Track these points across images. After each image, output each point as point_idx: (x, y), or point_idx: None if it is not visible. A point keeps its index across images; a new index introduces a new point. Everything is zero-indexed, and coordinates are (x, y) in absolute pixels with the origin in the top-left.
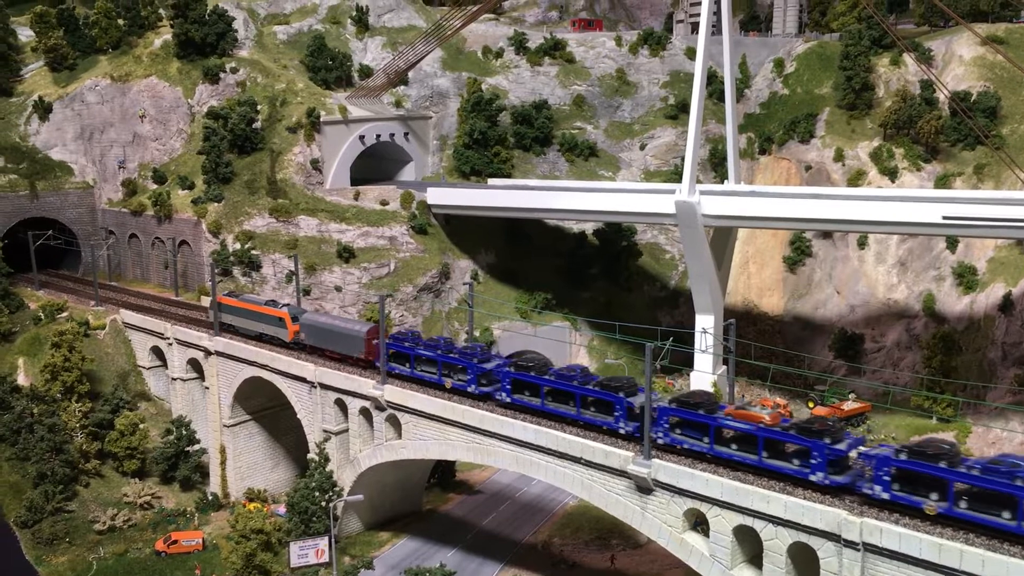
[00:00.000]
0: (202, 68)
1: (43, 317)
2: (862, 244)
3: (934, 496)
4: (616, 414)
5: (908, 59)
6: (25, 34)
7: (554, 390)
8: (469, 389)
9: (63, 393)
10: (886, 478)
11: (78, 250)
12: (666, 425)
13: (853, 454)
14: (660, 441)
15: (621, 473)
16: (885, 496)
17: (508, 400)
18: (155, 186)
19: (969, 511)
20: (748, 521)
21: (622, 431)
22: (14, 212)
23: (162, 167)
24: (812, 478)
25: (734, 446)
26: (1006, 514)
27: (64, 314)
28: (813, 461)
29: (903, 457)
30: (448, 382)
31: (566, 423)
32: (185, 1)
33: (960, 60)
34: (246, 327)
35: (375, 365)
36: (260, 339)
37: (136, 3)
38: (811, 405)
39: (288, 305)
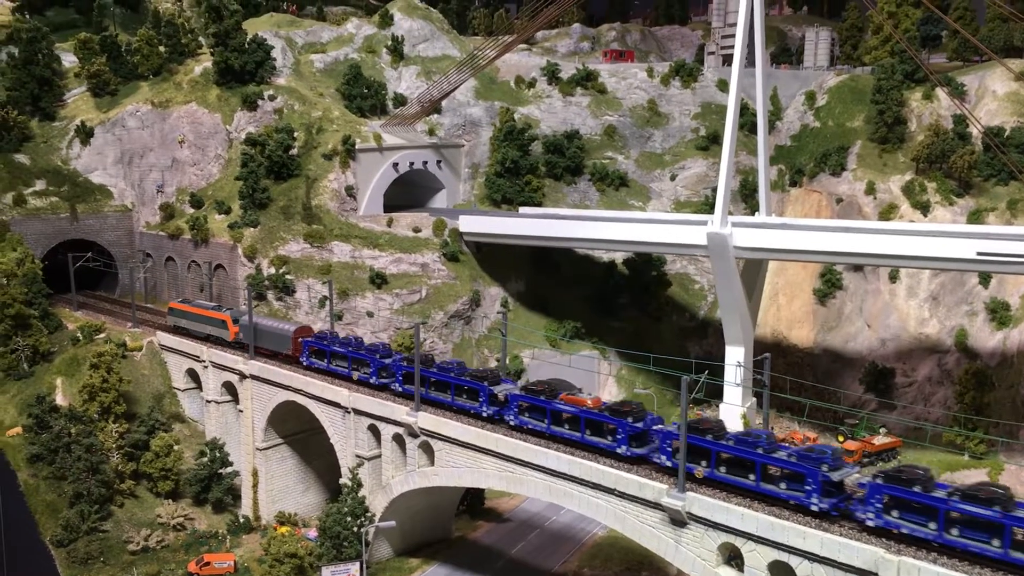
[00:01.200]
0: (241, 95)
1: (81, 338)
2: (894, 278)
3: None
4: (480, 400)
5: (941, 93)
6: (69, 60)
7: (439, 382)
8: (371, 380)
9: (100, 414)
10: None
11: (116, 272)
12: (515, 410)
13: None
14: (512, 423)
15: (655, 505)
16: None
17: (400, 389)
18: (192, 210)
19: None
20: (783, 557)
21: (484, 413)
22: (55, 234)
23: (199, 192)
24: (618, 451)
25: (567, 426)
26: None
27: (102, 335)
28: (619, 436)
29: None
30: (355, 375)
31: (444, 407)
32: (225, 30)
33: (993, 95)
34: (195, 329)
35: (300, 360)
36: (207, 339)
37: (177, 31)
38: (841, 439)
39: (231, 309)
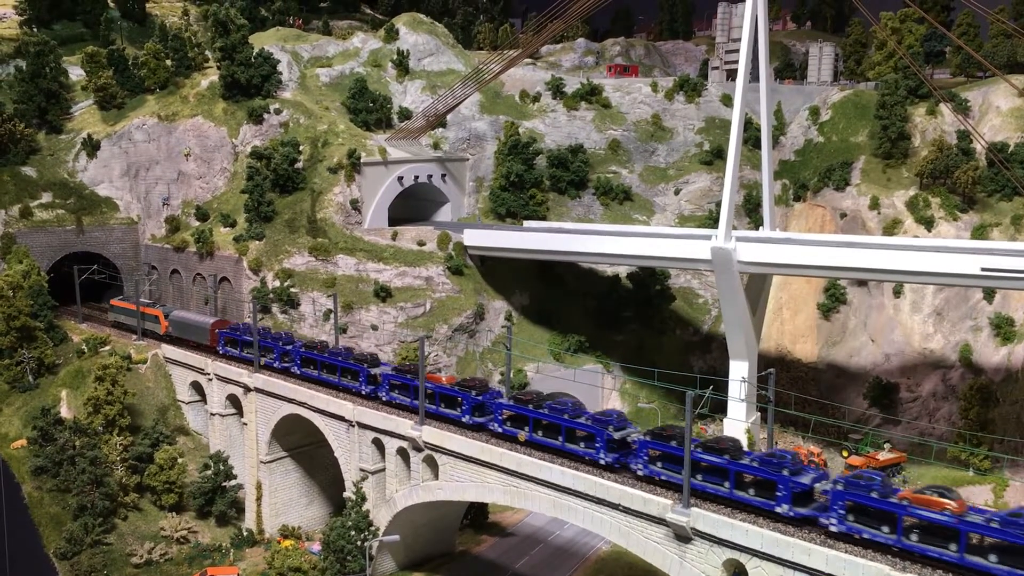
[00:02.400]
0: (247, 109)
1: (86, 350)
2: (898, 293)
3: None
4: (360, 379)
5: (945, 109)
6: (76, 73)
7: (321, 361)
8: (275, 365)
9: (105, 426)
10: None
11: (121, 284)
12: (387, 387)
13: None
14: (384, 399)
15: (659, 521)
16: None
17: (299, 372)
18: (198, 223)
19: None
20: (788, 573)
21: (363, 391)
22: (60, 246)
23: (205, 205)
24: (463, 420)
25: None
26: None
27: (107, 347)
28: (463, 407)
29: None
30: (262, 360)
31: (320, 384)
32: (232, 44)
33: (997, 111)
34: (133, 323)
35: (218, 350)
36: (145, 334)
37: (184, 45)
38: (845, 454)
39: (164, 306)
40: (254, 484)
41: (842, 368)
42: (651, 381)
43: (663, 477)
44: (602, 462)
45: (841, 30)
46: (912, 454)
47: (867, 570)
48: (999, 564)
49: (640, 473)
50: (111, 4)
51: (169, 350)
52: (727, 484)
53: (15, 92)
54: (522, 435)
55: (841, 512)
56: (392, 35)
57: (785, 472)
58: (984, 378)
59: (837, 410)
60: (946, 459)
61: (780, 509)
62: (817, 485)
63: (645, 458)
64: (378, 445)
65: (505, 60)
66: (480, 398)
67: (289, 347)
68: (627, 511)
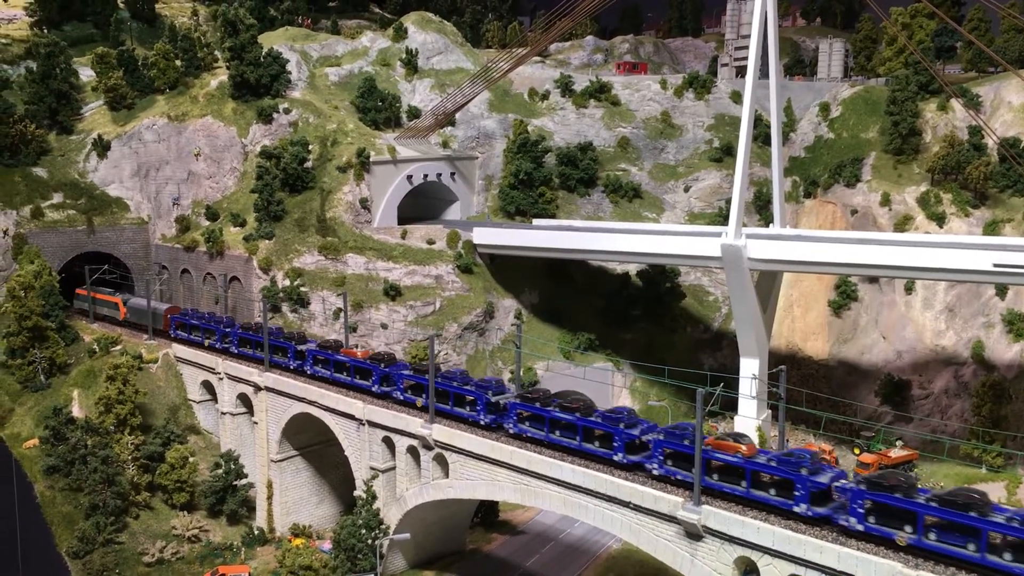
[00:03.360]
0: (256, 108)
1: (97, 350)
2: (909, 289)
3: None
4: (288, 354)
5: (956, 104)
6: (86, 74)
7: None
8: (218, 346)
9: (116, 425)
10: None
11: (132, 284)
12: (311, 361)
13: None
14: (308, 373)
15: (670, 518)
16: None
17: (235, 352)
18: (208, 223)
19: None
20: (800, 571)
21: (291, 367)
22: (72, 246)
23: (215, 204)
24: (373, 389)
25: (344, 373)
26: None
27: (118, 347)
28: (373, 379)
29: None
30: (207, 342)
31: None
32: (241, 44)
33: (1009, 106)
34: (97, 311)
35: (170, 334)
36: (104, 319)
37: (193, 45)
38: (857, 452)
39: (123, 294)
40: (265, 483)
41: (853, 365)
42: (661, 379)
43: (679, 476)
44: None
45: (851, 26)
46: (924, 451)
47: (879, 567)
48: (776, 496)
49: (656, 472)
50: (121, 5)
51: (180, 349)
52: (744, 483)
53: (26, 93)
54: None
55: (860, 512)
56: (401, 34)
57: (804, 472)
58: (997, 375)
59: (848, 407)
60: (959, 456)
61: (799, 508)
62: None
63: (660, 458)
64: (388, 443)
65: (514, 58)
66: (387, 370)
67: (229, 330)
68: (638, 509)
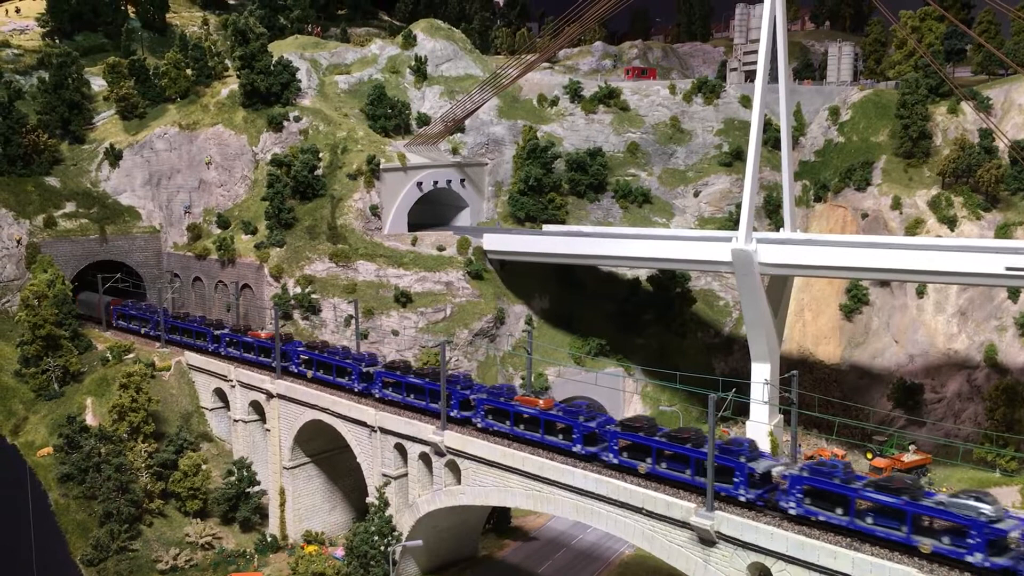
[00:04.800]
0: (266, 117)
1: (111, 358)
2: (921, 293)
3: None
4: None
5: (966, 107)
6: (98, 84)
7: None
8: (151, 333)
9: (129, 433)
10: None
11: (144, 292)
12: (224, 342)
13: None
14: (221, 353)
15: (683, 524)
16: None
17: (166, 339)
18: (219, 231)
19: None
20: None
21: (210, 348)
22: (84, 255)
23: (226, 212)
24: (272, 365)
25: (252, 353)
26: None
27: (131, 355)
28: (272, 356)
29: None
30: (143, 329)
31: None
32: (251, 52)
33: (1020, 109)
34: None
35: (113, 324)
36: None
37: (204, 54)
38: (869, 456)
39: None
40: (277, 490)
41: (865, 369)
42: (673, 384)
43: (821, 518)
44: (742, 498)
45: (860, 29)
46: (937, 456)
47: (894, 572)
48: (562, 440)
49: (792, 512)
50: (132, 15)
51: (193, 357)
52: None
53: (38, 103)
54: (643, 467)
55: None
56: (410, 41)
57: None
58: (1010, 378)
59: (861, 412)
60: (972, 460)
61: (576, 448)
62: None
63: (798, 495)
64: (400, 450)
65: (523, 64)
66: (283, 348)
67: (155, 316)
68: (651, 515)
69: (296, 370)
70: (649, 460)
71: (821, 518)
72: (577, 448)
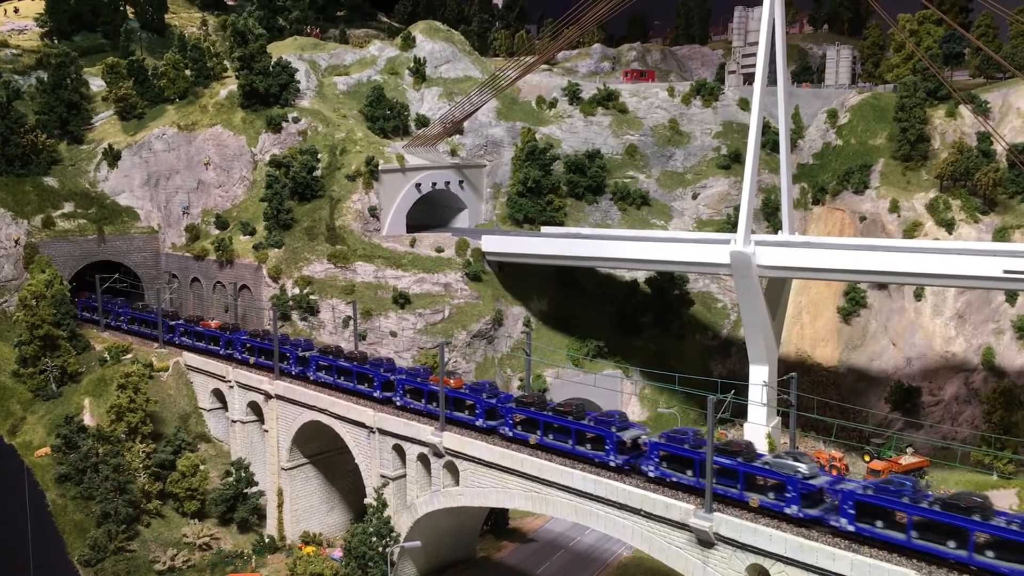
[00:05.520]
0: (265, 117)
1: (108, 358)
2: (919, 296)
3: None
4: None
5: (964, 111)
6: (96, 84)
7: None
8: (103, 322)
9: (127, 434)
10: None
11: (142, 293)
12: (179, 331)
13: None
14: (176, 342)
15: (682, 526)
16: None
17: (125, 328)
18: (217, 232)
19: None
20: None
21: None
22: (82, 255)
23: (225, 213)
24: (220, 352)
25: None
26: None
27: (129, 356)
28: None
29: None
30: (102, 322)
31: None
32: (250, 53)
33: (1018, 112)
34: None
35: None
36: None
37: (203, 55)
38: (867, 458)
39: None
40: (275, 491)
41: (863, 372)
42: (671, 386)
43: (674, 479)
44: (612, 463)
45: (858, 33)
46: (935, 458)
47: (892, 574)
48: (468, 416)
49: (651, 475)
50: (131, 15)
51: (191, 358)
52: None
53: (37, 103)
54: (533, 439)
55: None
56: (409, 43)
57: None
58: (1007, 381)
59: (859, 414)
60: (970, 463)
61: (478, 423)
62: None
63: (656, 460)
64: (399, 451)
65: (521, 66)
66: (228, 333)
67: (116, 308)
68: (649, 516)
69: (313, 376)
70: (538, 432)
71: (674, 479)
72: (479, 423)
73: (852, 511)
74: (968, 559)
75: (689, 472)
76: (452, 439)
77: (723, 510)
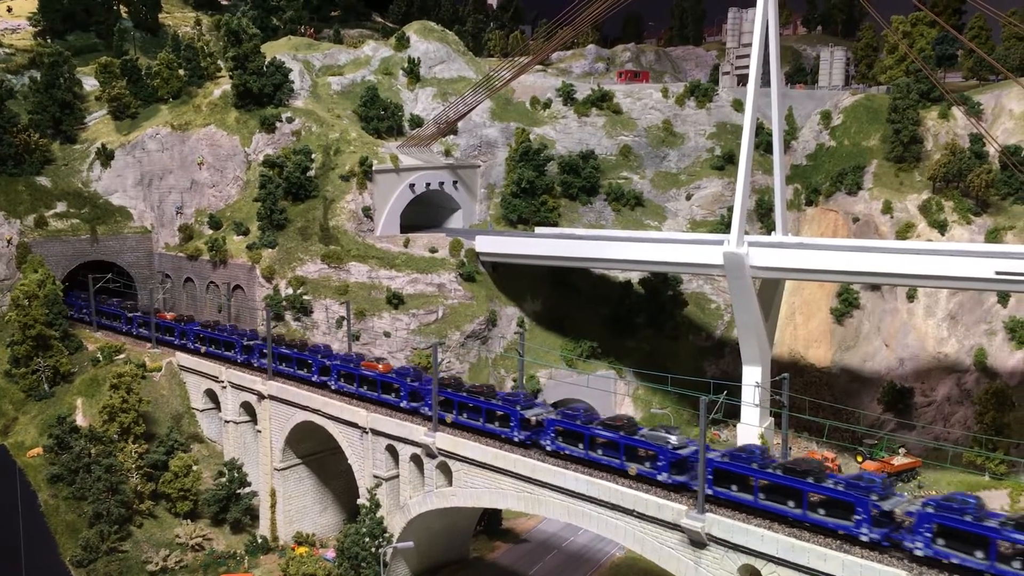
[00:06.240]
0: (259, 117)
1: (101, 358)
2: (911, 297)
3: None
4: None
5: (957, 112)
6: (90, 84)
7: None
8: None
9: (120, 434)
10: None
11: (135, 293)
12: (138, 322)
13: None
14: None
15: (674, 526)
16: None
17: (96, 323)
18: (211, 232)
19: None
20: None
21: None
22: (75, 255)
23: (218, 213)
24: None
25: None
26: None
27: (121, 356)
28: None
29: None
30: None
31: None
32: (244, 53)
33: (1010, 114)
34: None
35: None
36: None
37: (196, 55)
38: (860, 459)
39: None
40: (268, 491)
41: (856, 373)
42: (664, 387)
43: (567, 451)
44: (516, 439)
45: (852, 34)
46: (927, 459)
47: (883, 575)
48: (389, 396)
49: (548, 448)
50: (124, 15)
51: (184, 358)
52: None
53: (30, 103)
54: (449, 418)
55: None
56: (403, 43)
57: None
58: (999, 382)
59: (851, 415)
60: (962, 464)
61: (403, 404)
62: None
63: (552, 435)
64: (392, 452)
65: (516, 67)
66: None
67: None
68: (642, 517)
69: (335, 386)
70: (454, 412)
71: (567, 452)
72: (404, 404)
73: (711, 476)
74: (803, 516)
75: (580, 445)
76: (445, 440)
77: (716, 511)
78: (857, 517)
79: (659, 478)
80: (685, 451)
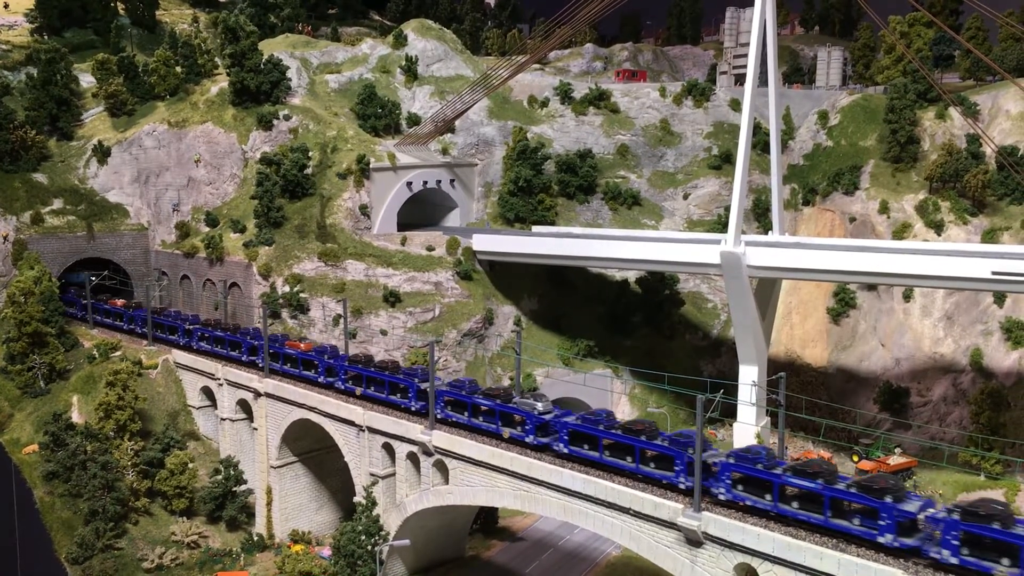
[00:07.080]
0: (256, 115)
1: (97, 356)
2: (907, 297)
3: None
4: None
5: (954, 113)
6: (87, 80)
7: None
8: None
9: (116, 431)
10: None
11: (131, 290)
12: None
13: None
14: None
15: (671, 525)
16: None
17: (81, 316)
18: (208, 229)
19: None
20: None
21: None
22: (71, 252)
23: (215, 211)
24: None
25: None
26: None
27: (118, 353)
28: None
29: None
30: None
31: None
32: (241, 51)
33: (1007, 115)
34: None
35: None
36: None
37: (194, 52)
38: (856, 459)
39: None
40: (264, 489)
41: (852, 372)
42: (661, 385)
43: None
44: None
45: (849, 34)
46: (923, 459)
47: (880, 574)
48: (315, 372)
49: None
50: (121, 12)
51: (180, 355)
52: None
53: (26, 99)
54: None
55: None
56: (401, 41)
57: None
58: (995, 382)
59: (847, 414)
60: (957, 463)
61: (320, 379)
62: None
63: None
64: (388, 450)
65: (513, 66)
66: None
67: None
68: (638, 515)
69: (343, 387)
70: (363, 385)
71: (453, 419)
72: (321, 379)
73: (567, 437)
74: (636, 469)
75: (465, 413)
76: (442, 438)
77: (712, 509)
78: (676, 468)
79: (527, 440)
80: (548, 416)
